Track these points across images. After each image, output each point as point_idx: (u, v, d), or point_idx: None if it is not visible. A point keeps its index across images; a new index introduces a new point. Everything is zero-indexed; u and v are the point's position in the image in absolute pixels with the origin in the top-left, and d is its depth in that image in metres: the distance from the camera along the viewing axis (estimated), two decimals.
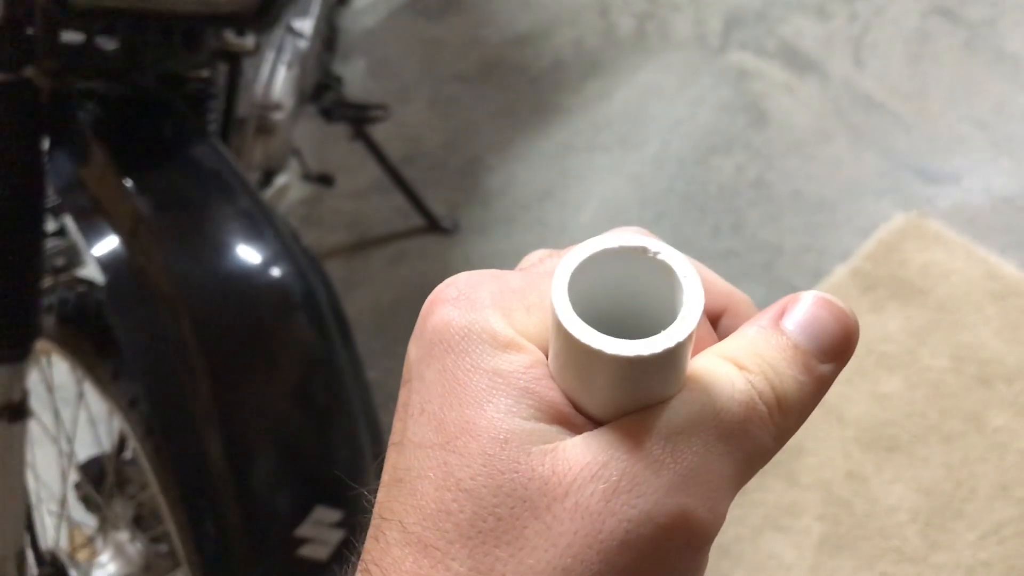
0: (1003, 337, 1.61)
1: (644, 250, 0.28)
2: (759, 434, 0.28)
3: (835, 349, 0.30)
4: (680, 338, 0.26)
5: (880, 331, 1.64)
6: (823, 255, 1.78)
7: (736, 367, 0.29)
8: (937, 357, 1.60)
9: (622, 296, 0.29)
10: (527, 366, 0.28)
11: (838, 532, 1.43)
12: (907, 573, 1.39)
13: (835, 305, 0.30)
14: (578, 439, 0.27)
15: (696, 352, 0.30)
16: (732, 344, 0.30)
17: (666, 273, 0.28)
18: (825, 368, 0.30)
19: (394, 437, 0.29)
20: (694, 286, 0.27)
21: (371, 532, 0.28)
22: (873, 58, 2.10)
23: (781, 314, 0.30)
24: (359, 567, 0.28)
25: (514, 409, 0.27)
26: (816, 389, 0.29)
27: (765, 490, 1.48)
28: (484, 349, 0.28)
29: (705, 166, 1.94)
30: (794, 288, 1.74)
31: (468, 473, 0.26)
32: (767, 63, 2.12)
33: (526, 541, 0.25)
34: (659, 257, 0.28)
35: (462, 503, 0.26)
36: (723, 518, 0.27)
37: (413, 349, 0.30)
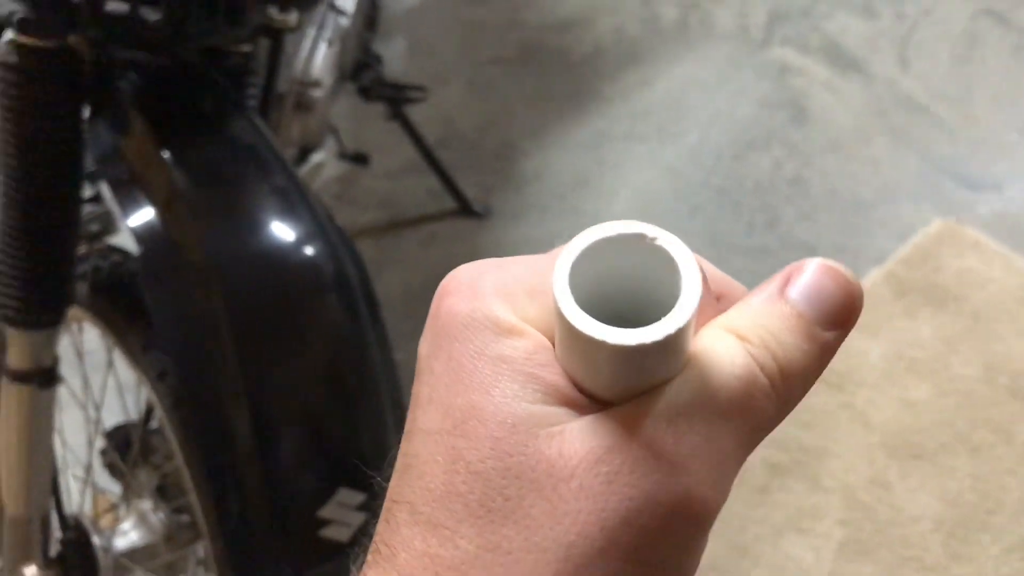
0: None
1: (642, 236, 0.28)
2: (761, 406, 0.29)
3: (838, 316, 0.30)
4: (680, 324, 0.27)
5: (912, 337, 1.62)
6: (857, 256, 1.76)
7: (737, 339, 0.29)
8: (969, 366, 1.58)
9: (624, 282, 0.30)
10: (531, 352, 0.28)
11: (859, 538, 1.42)
12: None
13: (838, 272, 0.30)
14: (583, 422, 0.27)
15: (700, 325, 0.30)
16: (735, 314, 0.30)
17: (665, 258, 0.28)
18: (829, 335, 0.30)
19: (406, 427, 0.30)
20: (691, 270, 0.28)
21: (382, 515, 0.29)
22: (918, 59, 2.07)
23: (786, 282, 0.30)
24: (371, 548, 0.29)
25: (520, 394, 0.28)
26: (820, 356, 0.30)
27: (787, 491, 1.47)
28: (487, 336, 0.29)
29: (742, 161, 1.92)
30: None
31: (477, 456, 0.27)
32: (810, 60, 2.09)
33: (532, 520, 0.26)
34: (656, 243, 0.28)
35: (471, 484, 0.27)
36: (726, 494, 0.28)
37: (423, 344, 0.31)
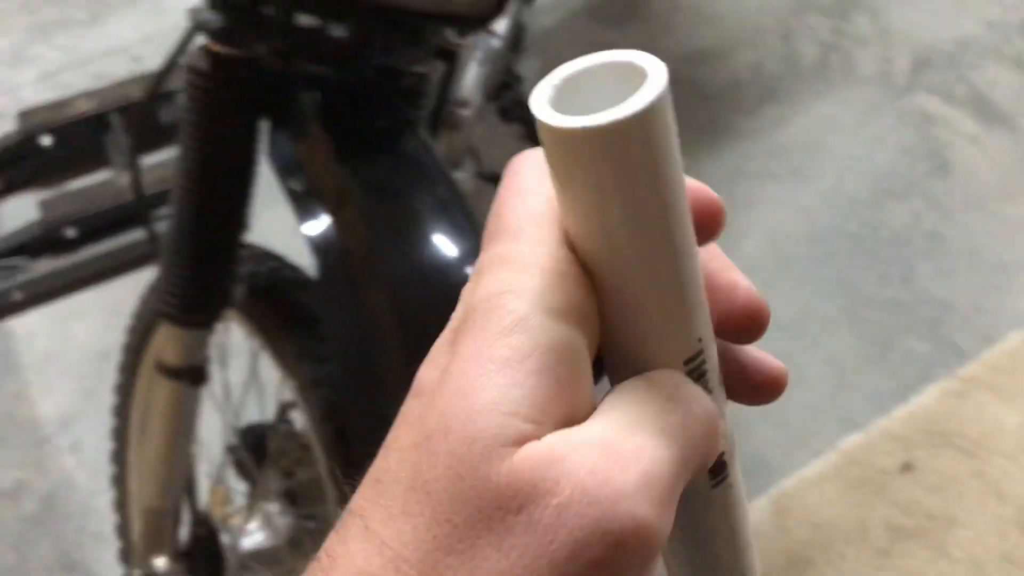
0: None
1: (612, 61, 0.27)
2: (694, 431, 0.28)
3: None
4: (651, 97, 0.25)
5: None
6: (997, 318, 1.70)
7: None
8: None
9: None
10: (527, 352, 0.27)
11: None
12: None
13: None
14: (536, 449, 0.26)
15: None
16: None
17: (636, 75, 0.26)
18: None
19: (384, 442, 0.29)
20: (656, 67, 0.26)
21: (337, 524, 0.28)
22: None
23: None
24: (317, 555, 0.28)
25: (496, 400, 0.26)
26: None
27: (910, 556, 1.42)
28: (491, 334, 0.27)
29: (879, 209, 1.87)
30: (960, 349, 1.66)
31: (433, 475, 0.26)
32: (955, 110, 2.03)
33: (478, 551, 0.25)
34: (626, 60, 0.27)
35: (423, 506, 0.26)
36: (670, 523, 0.27)
37: (423, 368, 0.30)
